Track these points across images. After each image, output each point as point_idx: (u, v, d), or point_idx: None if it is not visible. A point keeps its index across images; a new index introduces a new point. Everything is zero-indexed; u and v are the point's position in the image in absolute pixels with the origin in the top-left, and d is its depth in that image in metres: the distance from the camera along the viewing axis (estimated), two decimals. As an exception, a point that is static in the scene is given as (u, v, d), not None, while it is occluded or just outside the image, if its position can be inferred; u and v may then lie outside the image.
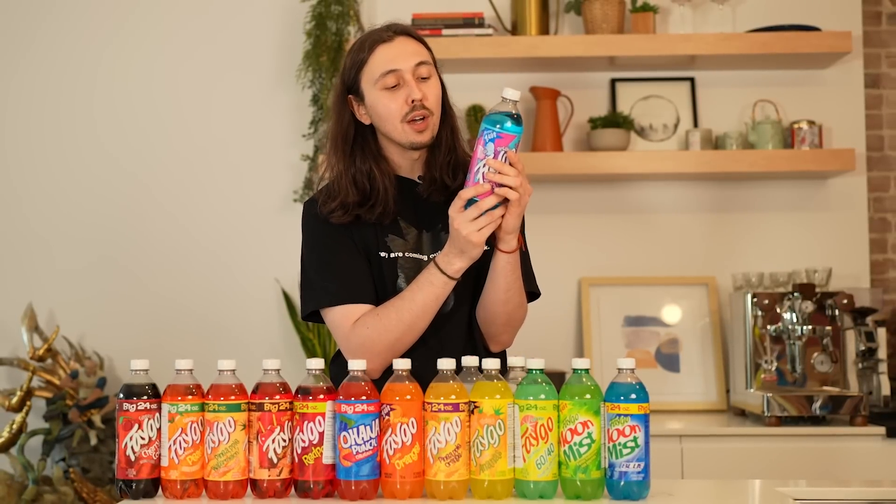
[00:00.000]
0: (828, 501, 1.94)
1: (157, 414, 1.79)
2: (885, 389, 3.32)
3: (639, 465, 1.73)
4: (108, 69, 3.69)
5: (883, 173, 3.74)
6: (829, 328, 3.23)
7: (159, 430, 1.79)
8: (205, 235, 3.64)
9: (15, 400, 3.35)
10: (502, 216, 1.95)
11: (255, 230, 3.64)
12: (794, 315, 3.23)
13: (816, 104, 3.62)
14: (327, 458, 1.77)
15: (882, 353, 3.34)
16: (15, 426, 3.33)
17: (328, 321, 2.10)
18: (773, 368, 3.24)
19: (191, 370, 1.82)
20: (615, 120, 3.53)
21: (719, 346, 3.52)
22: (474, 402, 1.75)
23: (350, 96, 2.14)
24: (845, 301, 3.23)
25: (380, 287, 2.10)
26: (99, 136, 3.68)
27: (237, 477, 1.78)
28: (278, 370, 1.81)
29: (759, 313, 3.25)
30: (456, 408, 1.74)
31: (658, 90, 3.67)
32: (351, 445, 1.74)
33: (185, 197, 3.65)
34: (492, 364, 1.78)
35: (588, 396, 1.74)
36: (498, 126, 1.89)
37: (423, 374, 1.80)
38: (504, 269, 2.03)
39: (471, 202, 1.93)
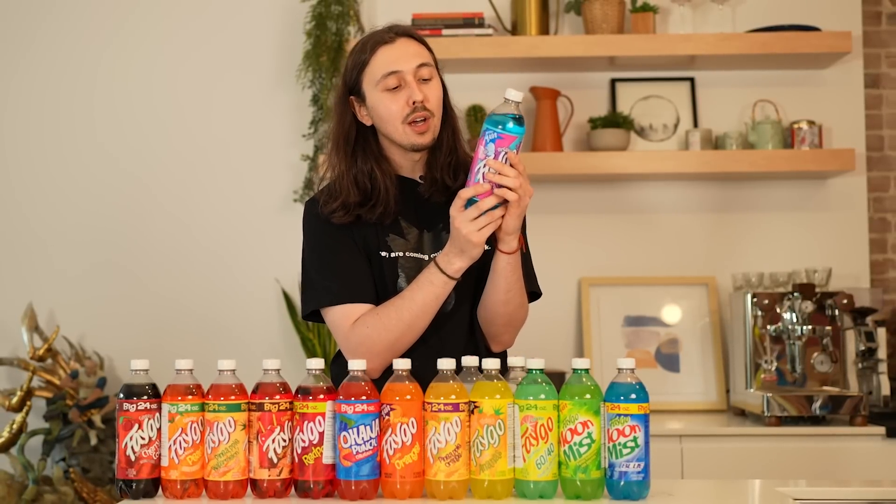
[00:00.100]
0: (828, 501, 1.94)
1: (158, 414, 1.79)
2: (885, 389, 3.32)
3: (639, 465, 1.73)
4: (108, 69, 3.69)
5: (883, 173, 3.74)
6: (829, 328, 3.23)
7: (159, 430, 1.79)
8: (205, 235, 3.64)
9: (15, 400, 3.35)
10: (502, 216, 1.95)
11: (256, 230, 3.64)
12: (794, 315, 3.23)
13: (816, 104, 3.62)
14: (327, 458, 1.78)
15: (882, 353, 3.34)
16: (15, 426, 3.33)
17: (328, 321, 2.11)
18: (773, 368, 3.24)
19: (191, 370, 1.82)
20: (615, 120, 3.53)
21: (719, 347, 3.52)
22: (474, 402, 1.75)
23: (351, 97, 2.15)
24: (845, 301, 3.23)
25: (380, 287, 2.11)
26: (99, 135, 3.68)
27: (237, 477, 1.78)
28: (278, 370, 1.81)
29: (759, 313, 3.25)
30: (456, 408, 1.74)
31: (658, 90, 3.67)
32: (351, 445, 1.74)
33: (185, 197, 3.65)
34: (492, 364, 1.78)
35: (588, 396, 1.74)
36: (499, 127, 1.89)
37: (424, 374, 1.81)
38: (505, 270, 2.04)
39: (471, 202, 1.94)
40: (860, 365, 3.30)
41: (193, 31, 3.70)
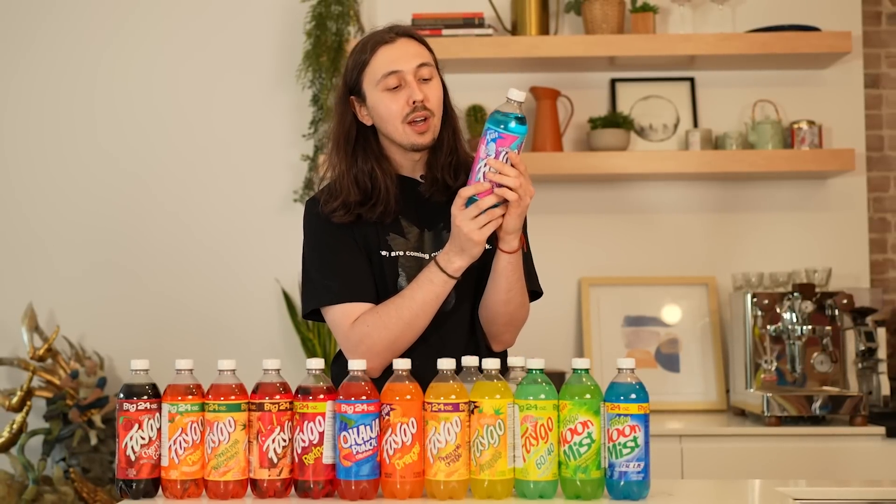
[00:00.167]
0: (828, 501, 1.94)
1: (158, 414, 1.79)
2: (885, 389, 3.32)
3: (639, 464, 1.73)
4: (108, 69, 3.69)
5: (883, 173, 3.74)
6: (828, 328, 3.23)
7: (159, 430, 1.79)
8: (205, 235, 3.64)
9: (15, 400, 3.35)
10: (503, 216, 1.95)
11: (256, 230, 3.64)
12: (793, 315, 3.23)
13: (816, 104, 3.62)
14: (327, 458, 1.78)
15: (882, 353, 3.35)
16: (15, 426, 3.33)
17: (329, 320, 2.11)
18: (773, 368, 3.24)
19: (191, 370, 1.82)
20: (615, 120, 3.53)
21: (719, 347, 3.52)
22: (474, 402, 1.75)
23: (352, 97, 2.15)
24: (845, 301, 3.23)
25: (381, 286, 2.11)
26: (99, 135, 3.68)
27: (237, 477, 1.78)
28: (278, 370, 1.81)
29: (759, 313, 3.25)
30: (456, 408, 1.74)
31: (658, 90, 3.67)
32: (351, 445, 1.74)
33: (186, 197, 3.65)
34: (492, 364, 1.78)
35: (588, 396, 1.74)
36: (501, 126, 1.89)
37: (424, 373, 1.81)
38: (505, 270, 2.04)
39: (471, 200, 1.94)
40: (860, 365, 3.30)
41: (193, 31, 3.70)
